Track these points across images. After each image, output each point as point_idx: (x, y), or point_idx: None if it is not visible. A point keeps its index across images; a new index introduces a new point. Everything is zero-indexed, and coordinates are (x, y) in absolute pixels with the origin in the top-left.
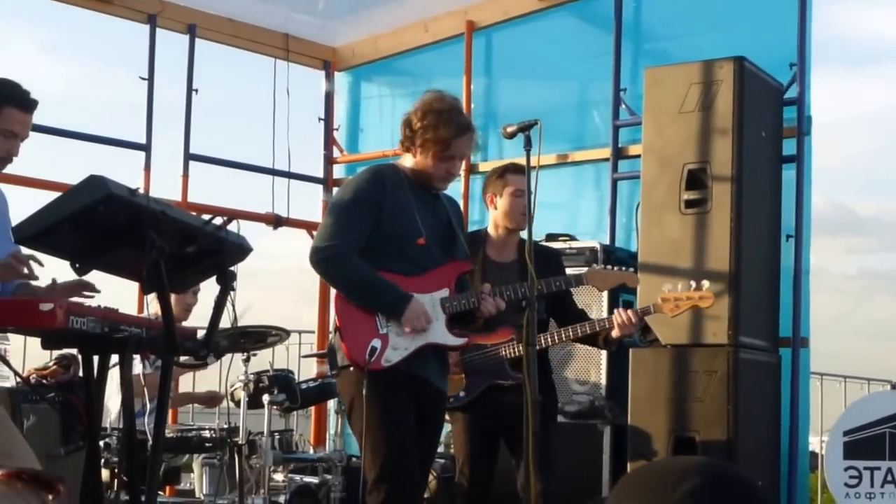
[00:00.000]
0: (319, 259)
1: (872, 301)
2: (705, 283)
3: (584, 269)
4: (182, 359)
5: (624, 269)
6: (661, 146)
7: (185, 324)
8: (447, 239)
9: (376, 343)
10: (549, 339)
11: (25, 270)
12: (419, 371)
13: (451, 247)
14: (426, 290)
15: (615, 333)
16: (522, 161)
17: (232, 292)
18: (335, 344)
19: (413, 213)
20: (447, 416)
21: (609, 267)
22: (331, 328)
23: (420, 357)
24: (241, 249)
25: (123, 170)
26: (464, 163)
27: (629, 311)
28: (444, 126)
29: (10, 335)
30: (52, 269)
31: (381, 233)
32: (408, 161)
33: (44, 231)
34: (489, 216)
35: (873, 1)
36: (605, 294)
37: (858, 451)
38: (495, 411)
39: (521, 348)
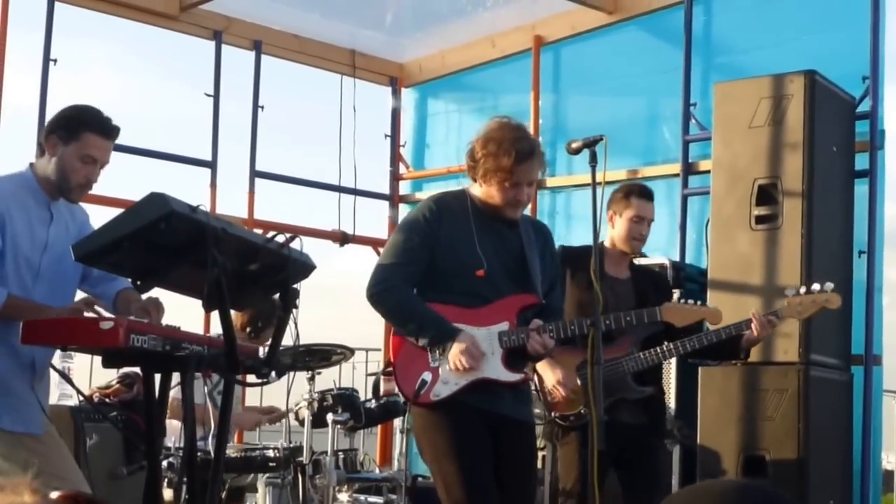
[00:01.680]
0: (371, 295)
1: None
2: (829, 285)
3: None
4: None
5: (701, 303)
6: (730, 161)
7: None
8: (517, 270)
9: (427, 376)
10: (677, 349)
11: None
12: (486, 405)
13: (521, 278)
14: (485, 324)
15: (754, 338)
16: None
17: (295, 310)
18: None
19: (472, 244)
20: (557, 440)
21: (688, 302)
22: None
23: (488, 391)
24: (304, 267)
25: (189, 187)
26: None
27: (767, 315)
28: (505, 154)
29: (74, 354)
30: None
31: (437, 265)
32: (475, 189)
33: (105, 249)
34: (607, 231)
35: None
36: None
37: None
38: (614, 431)
39: (650, 358)
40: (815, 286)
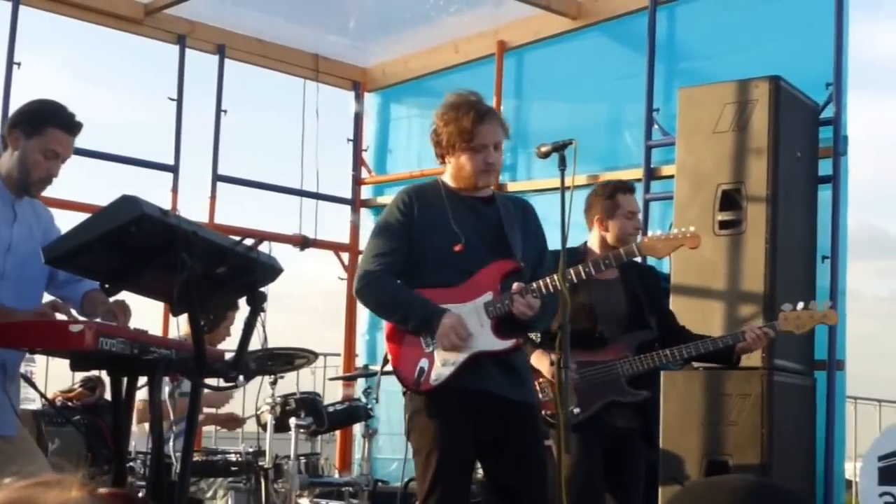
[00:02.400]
0: (357, 290)
1: None
2: (828, 303)
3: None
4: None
5: (676, 231)
6: (694, 166)
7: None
8: (496, 243)
9: (423, 363)
10: (673, 355)
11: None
12: (477, 384)
13: (500, 249)
14: (470, 298)
15: (748, 347)
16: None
17: (262, 314)
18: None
19: (448, 223)
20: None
21: (665, 231)
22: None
23: (475, 369)
24: (272, 270)
25: (151, 191)
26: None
27: (763, 328)
28: (464, 116)
29: (35, 357)
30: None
31: (417, 250)
32: (446, 175)
33: (75, 251)
34: (591, 234)
35: None
36: None
37: (894, 476)
38: (607, 433)
39: (647, 362)
40: (814, 303)
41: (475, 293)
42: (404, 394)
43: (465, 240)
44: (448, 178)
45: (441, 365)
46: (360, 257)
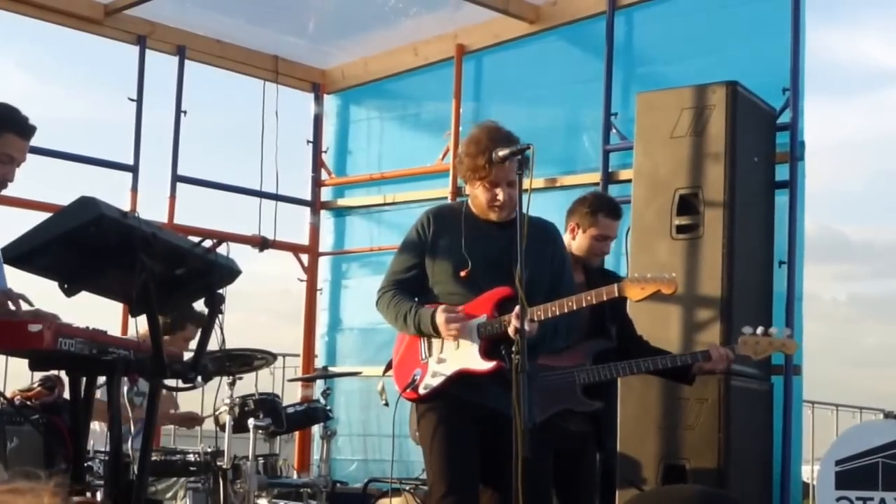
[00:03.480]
0: (375, 304)
1: (863, 328)
2: (787, 331)
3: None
4: (171, 382)
5: (662, 275)
6: (652, 171)
7: None
8: (504, 269)
9: (417, 372)
10: (631, 368)
11: (13, 307)
12: (474, 397)
13: (506, 276)
14: (468, 318)
15: (712, 367)
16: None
17: (220, 315)
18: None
19: (459, 248)
20: None
21: (645, 276)
22: None
23: (469, 382)
24: (230, 272)
25: (110, 191)
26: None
27: (727, 348)
28: (481, 154)
29: None
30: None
31: (431, 272)
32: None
33: (33, 251)
34: (564, 237)
35: (867, 29)
36: None
37: (850, 481)
38: (557, 438)
39: (604, 372)
40: (773, 330)
41: (472, 314)
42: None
43: (472, 265)
44: (470, 202)
45: (431, 376)
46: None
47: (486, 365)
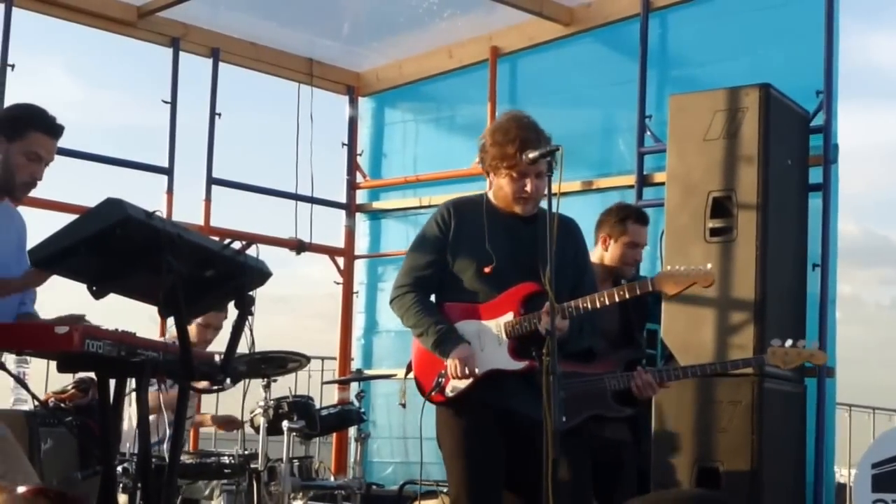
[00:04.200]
0: (390, 301)
1: None
2: (815, 343)
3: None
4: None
5: (697, 267)
6: (685, 174)
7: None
8: (529, 265)
9: (442, 374)
10: (668, 374)
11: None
12: (498, 401)
13: (530, 270)
14: (492, 316)
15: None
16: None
17: (250, 317)
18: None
19: (482, 243)
20: None
21: (678, 268)
22: None
23: (494, 385)
24: (260, 274)
25: (146, 194)
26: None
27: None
28: (510, 143)
29: (31, 359)
30: (69, 292)
31: (453, 266)
32: (491, 188)
33: (60, 254)
34: (595, 249)
35: None
36: None
37: (887, 483)
38: (593, 444)
39: (629, 381)
40: (802, 342)
41: (497, 312)
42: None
43: (497, 261)
44: (491, 195)
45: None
46: (400, 268)
47: (519, 364)
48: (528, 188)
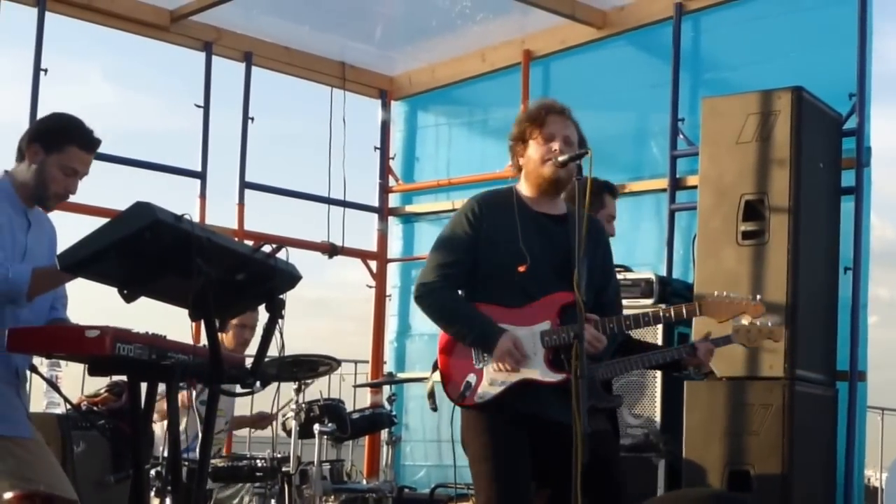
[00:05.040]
0: (416, 297)
1: None
2: (776, 319)
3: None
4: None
5: (747, 297)
6: (717, 177)
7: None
8: (562, 266)
9: (471, 378)
10: (637, 364)
11: None
12: (530, 408)
13: (566, 274)
14: (528, 323)
15: (696, 362)
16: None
17: (280, 320)
18: (433, 383)
19: (516, 240)
20: None
21: (729, 294)
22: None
23: (530, 393)
24: (290, 277)
25: (179, 198)
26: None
27: (708, 342)
28: (537, 109)
29: (63, 363)
30: (98, 296)
31: (481, 264)
32: (522, 182)
33: (89, 258)
34: None
35: None
36: (660, 325)
37: None
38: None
39: (615, 370)
40: (765, 319)
41: (533, 319)
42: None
43: (531, 260)
44: (523, 184)
45: (489, 384)
46: (426, 260)
47: (556, 377)
48: (556, 147)
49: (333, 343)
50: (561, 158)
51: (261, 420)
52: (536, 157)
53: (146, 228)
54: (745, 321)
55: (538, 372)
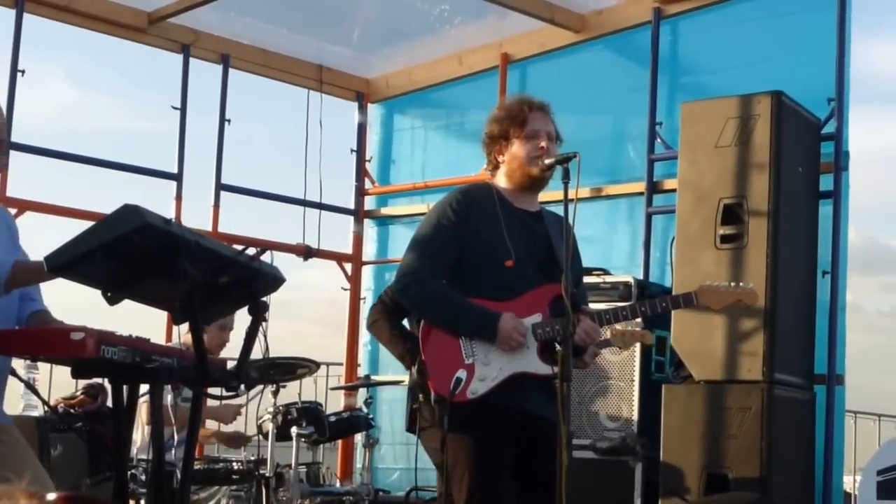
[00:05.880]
0: (399, 288)
1: None
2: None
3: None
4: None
5: (738, 284)
6: (696, 180)
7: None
8: (545, 261)
9: (461, 374)
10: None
11: None
12: (517, 404)
13: (549, 269)
14: (518, 315)
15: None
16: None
17: (264, 323)
18: (418, 378)
19: (501, 235)
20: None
21: (724, 284)
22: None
23: (516, 388)
24: (274, 280)
25: (154, 199)
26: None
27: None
28: (516, 107)
29: (38, 364)
30: (82, 298)
31: (466, 257)
32: (500, 178)
33: (76, 260)
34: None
35: None
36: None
37: (892, 490)
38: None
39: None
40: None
41: (524, 312)
42: (435, 403)
43: (516, 256)
44: (501, 180)
45: (479, 379)
46: (405, 255)
47: (549, 370)
48: (543, 144)
49: (293, 345)
50: (548, 161)
51: (235, 440)
52: (523, 155)
53: (135, 231)
54: (619, 326)
55: (532, 365)
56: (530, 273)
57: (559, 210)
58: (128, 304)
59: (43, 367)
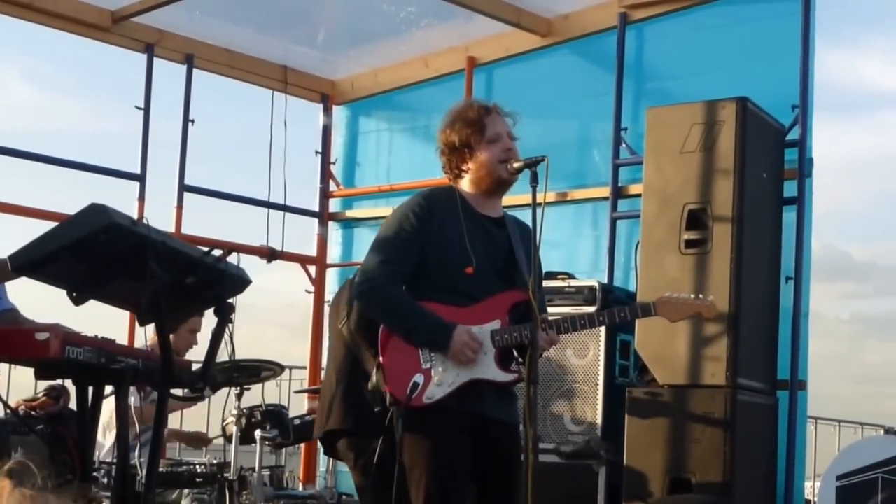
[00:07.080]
0: (358, 294)
1: (866, 346)
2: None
3: (656, 298)
4: (179, 392)
5: (698, 296)
6: (661, 186)
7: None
8: (505, 268)
9: (419, 378)
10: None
11: None
12: (473, 407)
13: (509, 276)
14: (476, 322)
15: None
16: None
17: (230, 325)
18: (377, 382)
19: (463, 241)
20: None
21: (682, 295)
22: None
23: (472, 392)
24: (240, 281)
25: (117, 200)
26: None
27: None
28: (471, 112)
29: None
30: (48, 299)
31: (426, 262)
32: (465, 184)
33: (42, 259)
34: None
35: (867, 52)
36: (602, 331)
37: (851, 495)
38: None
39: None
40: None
41: (483, 319)
42: (391, 405)
43: (477, 263)
44: (466, 185)
45: (437, 384)
46: (365, 259)
47: (507, 376)
48: (509, 146)
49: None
50: (517, 164)
51: (197, 440)
52: (491, 160)
53: (101, 231)
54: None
55: (489, 372)
56: (490, 280)
57: (525, 214)
58: (93, 305)
59: (2, 368)
